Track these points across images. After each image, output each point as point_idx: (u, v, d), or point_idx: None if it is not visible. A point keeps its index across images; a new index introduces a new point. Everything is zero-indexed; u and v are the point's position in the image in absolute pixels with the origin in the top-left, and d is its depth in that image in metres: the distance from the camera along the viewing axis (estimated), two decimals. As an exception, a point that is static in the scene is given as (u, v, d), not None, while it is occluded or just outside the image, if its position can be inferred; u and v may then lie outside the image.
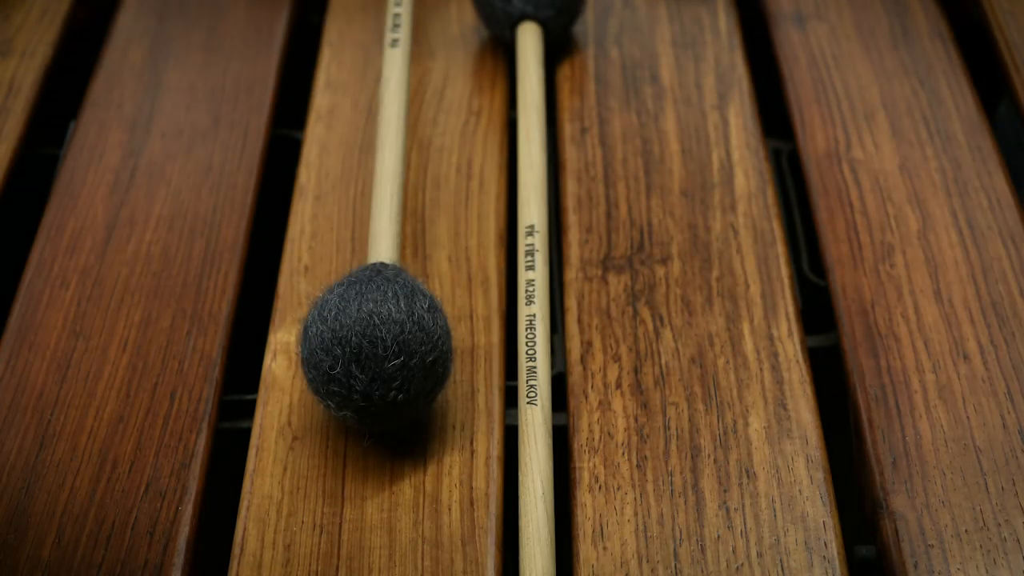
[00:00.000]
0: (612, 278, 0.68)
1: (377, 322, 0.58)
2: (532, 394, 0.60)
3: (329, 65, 0.81)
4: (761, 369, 0.64)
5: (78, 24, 0.85)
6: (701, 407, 0.63)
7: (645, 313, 0.66)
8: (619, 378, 0.64)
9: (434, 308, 0.60)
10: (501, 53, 0.81)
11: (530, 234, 0.67)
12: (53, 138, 0.80)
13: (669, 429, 0.62)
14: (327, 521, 0.59)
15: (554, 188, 0.74)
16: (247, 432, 0.63)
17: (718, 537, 0.58)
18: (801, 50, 0.81)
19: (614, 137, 0.76)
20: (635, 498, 0.59)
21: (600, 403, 0.63)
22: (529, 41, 0.77)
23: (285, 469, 0.61)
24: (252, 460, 0.61)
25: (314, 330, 0.59)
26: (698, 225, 0.71)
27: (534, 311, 0.63)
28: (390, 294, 0.59)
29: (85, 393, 0.64)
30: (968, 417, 0.62)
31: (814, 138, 0.76)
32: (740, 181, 0.73)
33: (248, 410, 0.64)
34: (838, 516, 0.59)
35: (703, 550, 0.58)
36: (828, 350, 0.68)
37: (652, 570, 0.57)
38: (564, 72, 0.80)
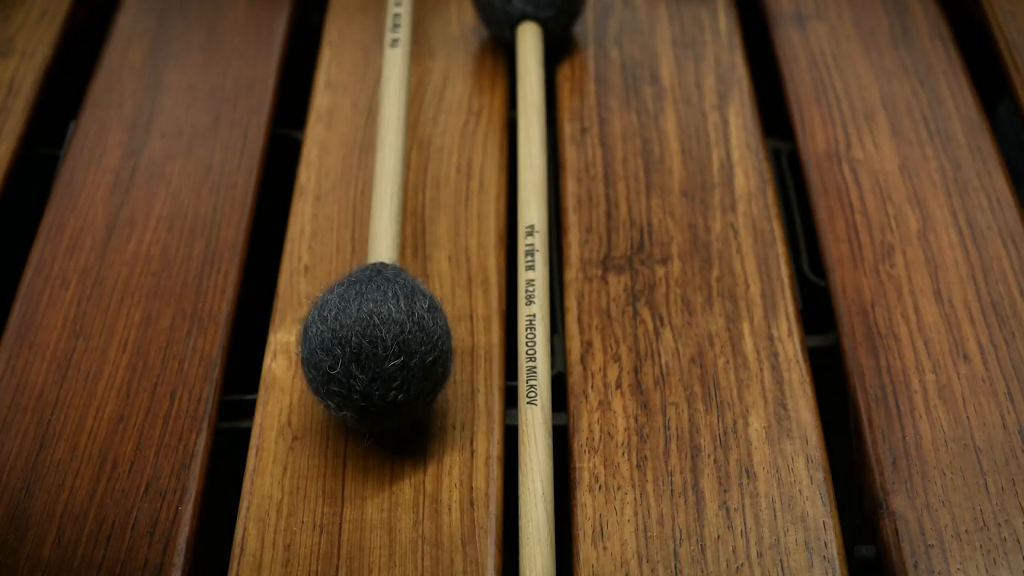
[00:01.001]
0: (612, 278, 0.68)
1: (377, 322, 0.58)
2: (532, 394, 0.60)
3: (329, 65, 0.81)
4: (761, 369, 0.64)
5: (78, 24, 0.85)
6: (701, 407, 0.63)
7: (645, 313, 0.66)
8: (619, 378, 0.64)
9: (434, 308, 0.60)
10: (501, 53, 0.81)
11: (530, 234, 0.67)
12: (53, 138, 0.80)
13: (669, 429, 0.62)
14: (327, 521, 0.59)
15: (554, 188, 0.74)
16: (247, 432, 0.63)
17: (718, 537, 0.58)
18: (801, 50, 0.81)
19: (614, 137, 0.76)
20: (635, 498, 0.59)
21: (600, 403, 0.63)
22: (529, 41, 0.77)
23: (285, 469, 0.61)
24: (252, 460, 0.61)
25: (314, 330, 0.59)
26: (698, 225, 0.71)
27: (534, 311, 0.63)
28: (390, 294, 0.59)
29: (85, 393, 0.64)
30: (968, 417, 0.62)
31: (814, 138, 0.76)
32: (740, 181, 0.73)
33: (248, 410, 0.64)
34: (838, 516, 0.59)
35: (703, 550, 0.58)
36: (828, 350, 0.68)
37: (652, 570, 0.57)
38: (564, 72, 0.80)
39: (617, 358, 0.65)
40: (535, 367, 0.61)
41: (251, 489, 0.60)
